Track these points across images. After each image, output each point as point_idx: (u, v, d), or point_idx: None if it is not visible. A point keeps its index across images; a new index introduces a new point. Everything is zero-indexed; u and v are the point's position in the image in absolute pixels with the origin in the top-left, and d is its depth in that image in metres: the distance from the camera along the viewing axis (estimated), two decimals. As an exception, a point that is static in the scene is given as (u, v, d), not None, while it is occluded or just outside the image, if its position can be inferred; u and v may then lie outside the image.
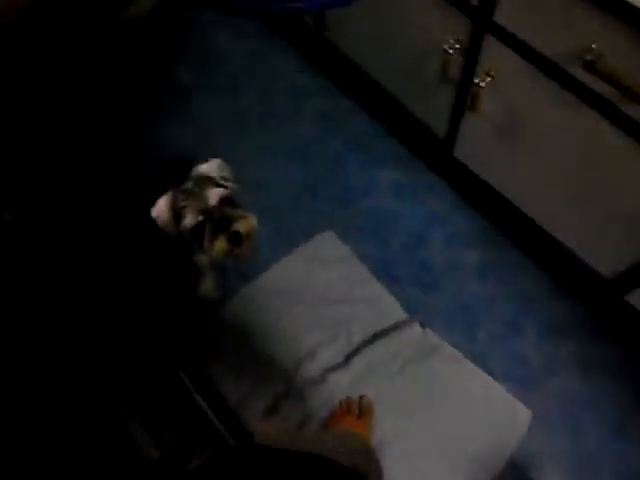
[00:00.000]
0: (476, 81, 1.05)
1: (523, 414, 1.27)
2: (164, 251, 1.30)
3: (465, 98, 1.14)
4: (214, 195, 1.03)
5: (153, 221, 1.06)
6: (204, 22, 1.82)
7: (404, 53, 1.25)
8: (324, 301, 1.40)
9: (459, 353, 1.33)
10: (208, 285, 1.34)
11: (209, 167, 1.09)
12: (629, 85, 0.80)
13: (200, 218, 1.01)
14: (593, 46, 0.83)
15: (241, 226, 1.00)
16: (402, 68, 1.32)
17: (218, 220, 1.01)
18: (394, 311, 1.39)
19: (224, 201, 1.03)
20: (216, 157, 1.13)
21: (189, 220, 1.01)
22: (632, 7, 0.74)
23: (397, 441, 1.24)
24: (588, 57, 0.84)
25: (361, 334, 1.36)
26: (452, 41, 1.07)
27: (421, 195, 1.52)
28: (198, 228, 1.02)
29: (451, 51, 1.08)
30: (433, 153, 1.47)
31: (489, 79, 1.05)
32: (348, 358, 1.33)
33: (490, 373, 1.31)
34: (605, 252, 1.17)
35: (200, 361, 1.34)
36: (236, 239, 1.00)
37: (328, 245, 1.47)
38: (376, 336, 1.35)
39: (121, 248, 1.43)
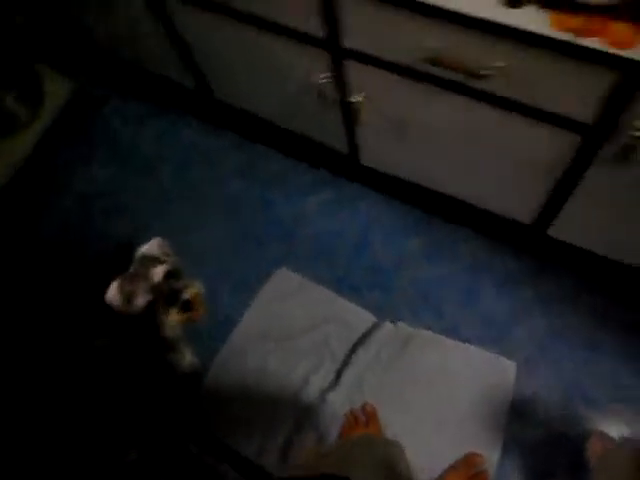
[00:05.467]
0: (352, 100, 1.18)
1: (507, 366, 1.38)
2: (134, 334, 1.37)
3: (350, 115, 1.26)
4: (158, 272, 1.12)
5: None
6: (106, 115, 1.91)
7: (285, 93, 1.37)
8: (300, 331, 1.48)
9: (432, 334, 1.43)
10: (187, 358, 1.40)
11: (150, 247, 1.19)
12: (466, 67, 0.94)
13: (150, 297, 1.10)
14: (430, 46, 0.96)
15: (188, 293, 1.11)
16: (290, 106, 1.43)
17: (167, 295, 1.11)
18: (363, 318, 1.48)
19: (169, 275, 1.13)
20: (154, 236, 1.21)
21: (140, 301, 1.10)
22: (447, 11, 0.87)
23: (403, 431, 1.33)
24: (430, 55, 0.97)
25: (342, 349, 1.45)
26: (320, 72, 1.19)
27: (350, 207, 1.63)
28: (150, 306, 1.11)
29: (323, 80, 1.20)
30: (345, 167, 1.59)
31: (363, 94, 1.18)
32: (338, 374, 1.41)
33: (467, 340, 1.42)
34: (516, 202, 1.30)
35: (205, 429, 1.39)
36: (187, 306, 1.12)
37: (285, 281, 1.56)
38: (355, 346, 1.44)
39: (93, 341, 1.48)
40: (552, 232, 1.31)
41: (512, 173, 1.19)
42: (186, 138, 1.83)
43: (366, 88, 1.17)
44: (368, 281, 1.53)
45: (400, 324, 1.45)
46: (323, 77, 1.18)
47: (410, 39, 0.98)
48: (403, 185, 1.49)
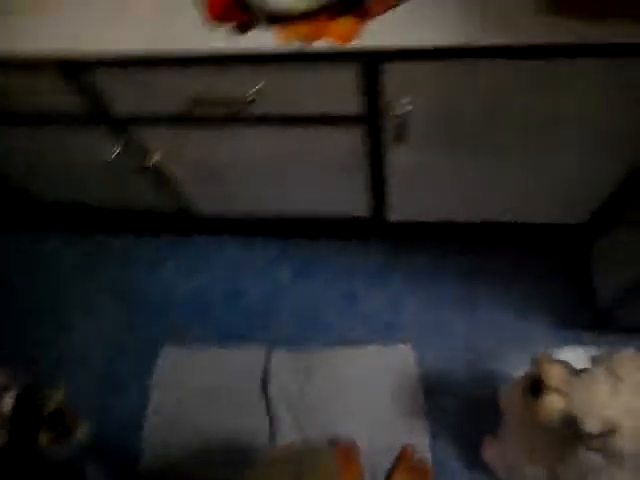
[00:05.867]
0: (150, 164, 1.15)
1: (404, 351, 1.40)
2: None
3: (160, 177, 1.24)
4: (7, 403, 1.05)
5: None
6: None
7: (92, 175, 1.32)
8: (210, 398, 1.42)
9: (330, 349, 1.43)
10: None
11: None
12: (232, 99, 0.95)
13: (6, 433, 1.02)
14: (192, 91, 0.97)
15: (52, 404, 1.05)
16: (105, 188, 1.39)
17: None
18: (258, 359, 1.44)
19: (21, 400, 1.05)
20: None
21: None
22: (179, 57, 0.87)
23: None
24: (198, 97, 0.98)
25: (255, 394, 1.41)
26: (111, 146, 1.15)
27: (208, 261, 1.60)
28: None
29: (115, 154, 1.16)
30: (187, 225, 1.58)
31: (159, 154, 1.16)
32: (271, 417, 1.37)
33: (361, 342, 1.42)
34: (349, 200, 1.33)
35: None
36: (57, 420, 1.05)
37: (172, 359, 1.48)
38: (265, 385, 1.41)
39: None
40: (392, 217, 1.36)
41: (332, 177, 1.22)
42: (48, 257, 1.70)
43: (159, 147, 1.15)
44: (252, 323, 1.50)
45: (296, 352, 1.44)
46: (114, 151, 1.15)
47: (171, 91, 0.98)
48: (250, 222, 1.49)
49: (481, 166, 1.11)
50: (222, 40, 0.86)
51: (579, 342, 1.36)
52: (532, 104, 0.92)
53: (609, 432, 0.85)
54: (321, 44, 0.83)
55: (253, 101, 0.95)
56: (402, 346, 1.41)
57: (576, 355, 1.36)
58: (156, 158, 1.15)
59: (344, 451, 1.27)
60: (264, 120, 1.01)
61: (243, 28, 0.86)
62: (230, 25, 0.86)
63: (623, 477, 0.92)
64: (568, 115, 0.93)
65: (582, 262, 1.42)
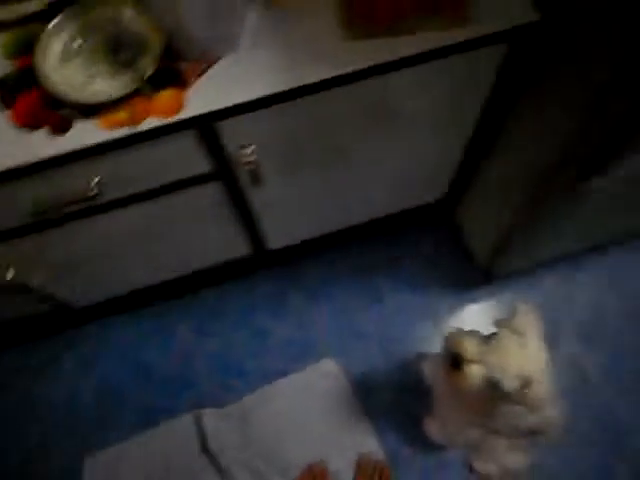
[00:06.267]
0: (3, 282, 1.05)
1: (328, 365, 1.43)
2: None
3: (20, 290, 1.14)
4: None
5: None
6: None
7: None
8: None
9: (253, 394, 1.42)
10: None
11: None
12: (77, 196, 0.90)
13: None
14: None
15: None
16: None
17: None
18: (186, 425, 1.39)
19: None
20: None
21: None
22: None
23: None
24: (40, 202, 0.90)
25: (201, 461, 1.36)
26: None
27: (115, 348, 1.51)
28: None
29: None
30: (64, 319, 1.47)
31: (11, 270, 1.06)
32: (223, 472, 1.33)
33: (283, 373, 1.43)
34: (231, 245, 1.32)
35: None
36: None
37: (99, 462, 1.38)
38: (205, 448, 1.37)
39: None
40: (274, 246, 1.37)
41: (204, 232, 1.20)
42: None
43: (10, 262, 1.05)
44: (171, 394, 1.44)
45: (225, 406, 1.41)
46: None
47: (5, 206, 0.90)
48: (138, 295, 1.42)
49: (336, 179, 1.15)
50: (43, 146, 0.80)
51: (476, 301, 1.49)
52: (364, 116, 0.97)
53: (526, 385, 0.94)
54: (149, 123, 0.81)
55: (98, 194, 0.90)
56: (325, 361, 1.44)
57: (478, 314, 1.49)
58: (10, 275, 1.05)
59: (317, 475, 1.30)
60: (118, 204, 0.97)
61: (61, 128, 0.80)
62: (45, 128, 0.80)
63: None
64: (402, 116, 1.00)
65: (456, 229, 1.54)
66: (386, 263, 1.53)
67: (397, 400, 1.39)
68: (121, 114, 0.81)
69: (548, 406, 1.01)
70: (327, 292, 1.51)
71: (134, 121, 0.81)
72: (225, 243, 1.29)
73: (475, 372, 0.97)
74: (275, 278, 1.54)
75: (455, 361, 0.99)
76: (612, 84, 0.77)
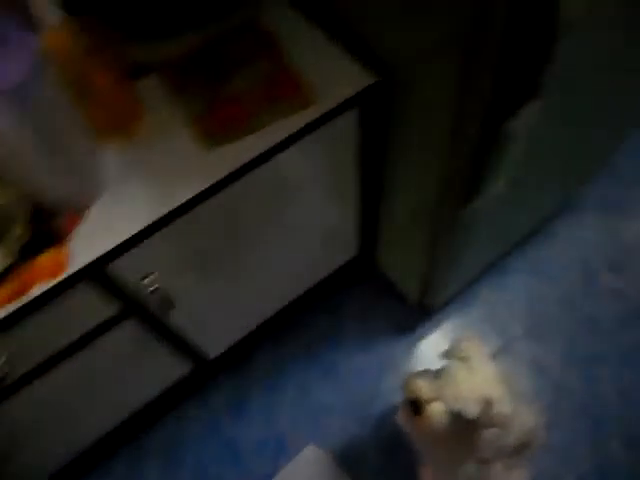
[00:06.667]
0: None
1: (311, 452, 1.38)
2: None
3: None
4: None
5: None
6: None
7: None
8: None
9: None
10: None
11: None
12: None
13: None
14: None
15: None
16: None
17: None
18: None
19: None
20: None
21: None
22: None
23: None
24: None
25: None
26: None
27: None
28: None
29: None
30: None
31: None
32: None
33: (268, 477, 1.37)
34: (166, 374, 1.28)
35: None
36: None
37: None
38: None
39: None
40: (212, 355, 1.34)
41: (135, 366, 1.16)
42: None
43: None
44: None
45: None
46: None
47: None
48: (96, 451, 1.33)
49: (247, 276, 1.16)
50: None
51: (423, 337, 1.51)
52: (256, 208, 1.00)
53: (488, 406, 0.95)
54: (38, 289, 0.79)
55: (7, 374, 0.85)
56: (308, 448, 1.39)
57: (427, 351, 1.50)
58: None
59: None
60: (34, 374, 0.92)
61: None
62: None
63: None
64: (290, 199, 1.04)
65: (382, 277, 1.58)
66: (329, 330, 1.53)
67: (387, 460, 1.36)
68: (6, 289, 0.78)
69: (522, 416, 1.01)
70: (281, 380, 1.48)
71: (21, 292, 0.78)
72: (162, 370, 1.25)
73: (436, 410, 0.97)
74: (227, 384, 1.49)
75: (415, 406, 0.99)
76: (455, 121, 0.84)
